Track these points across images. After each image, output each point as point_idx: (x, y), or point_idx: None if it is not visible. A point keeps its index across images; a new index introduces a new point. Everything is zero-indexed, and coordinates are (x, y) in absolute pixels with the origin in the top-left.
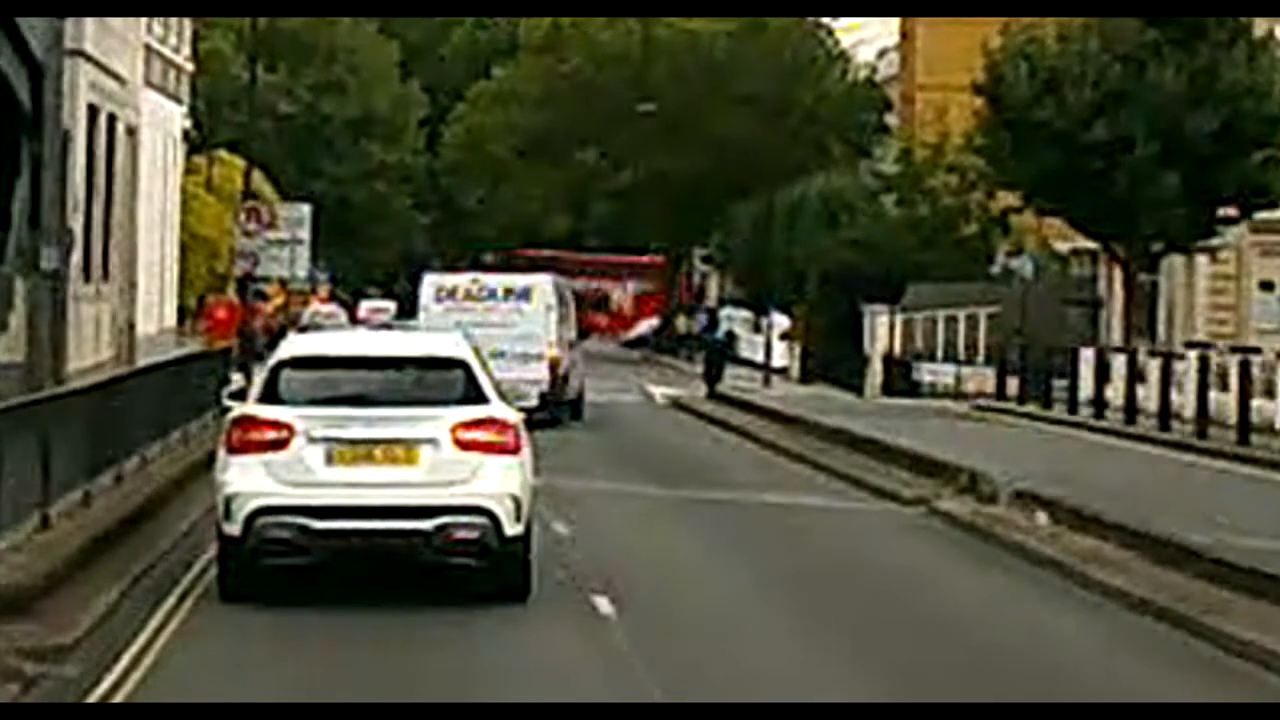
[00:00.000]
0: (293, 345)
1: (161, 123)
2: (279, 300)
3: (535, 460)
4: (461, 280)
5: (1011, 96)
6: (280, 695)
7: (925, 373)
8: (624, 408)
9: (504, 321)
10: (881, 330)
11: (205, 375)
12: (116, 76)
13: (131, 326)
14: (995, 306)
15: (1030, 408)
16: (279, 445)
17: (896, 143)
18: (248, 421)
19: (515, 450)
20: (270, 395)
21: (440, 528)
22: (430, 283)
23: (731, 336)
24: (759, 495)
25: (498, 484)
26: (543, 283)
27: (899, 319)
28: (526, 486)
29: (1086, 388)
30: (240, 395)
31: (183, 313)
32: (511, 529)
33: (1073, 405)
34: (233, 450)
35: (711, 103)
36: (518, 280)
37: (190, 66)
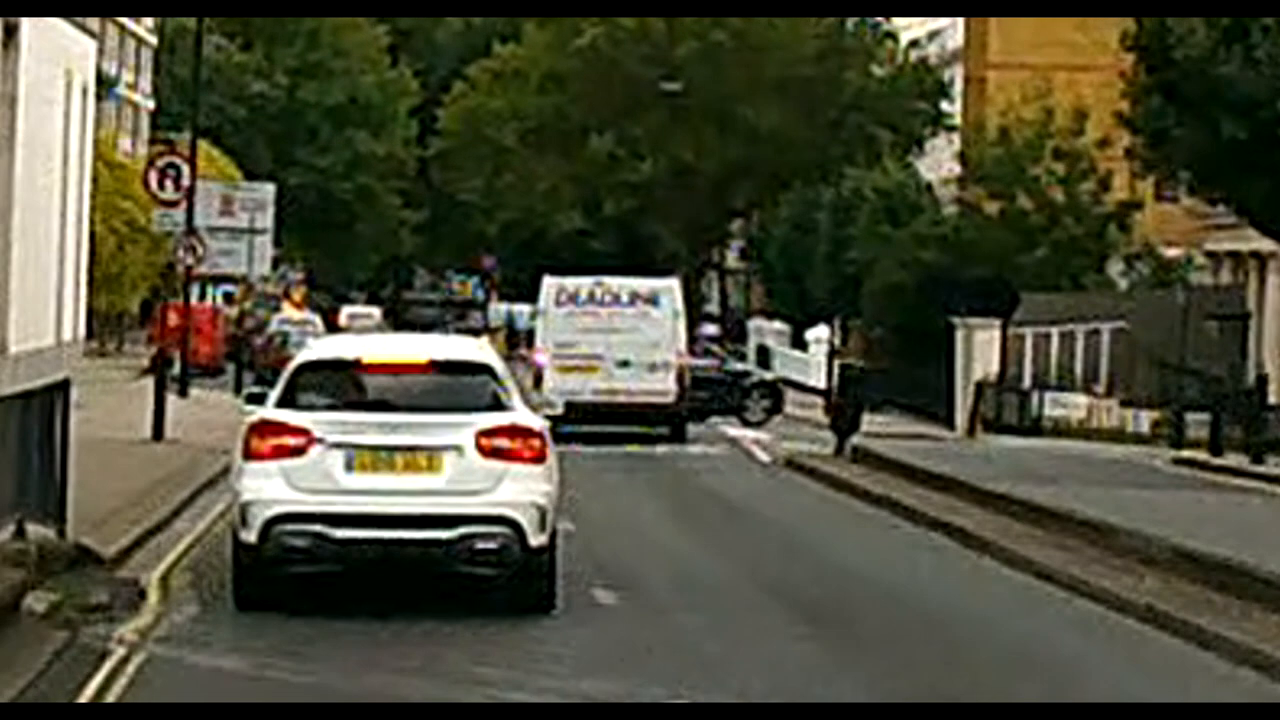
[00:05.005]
0: (313, 349)
1: (53, 49)
2: (244, 304)
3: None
4: (585, 282)
5: (1181, 50)
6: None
7: (1052, 404)
8: (721, 471)
9: (630, 328)
10: (985, 349)
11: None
12: None
13: None
14: (1119, 321)
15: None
16: (298, 451)
17: (993, 123)
18: (265, 426)
19: (541, 459)
20: (289, 400)
21: (462, 537)
22: (550, 285)
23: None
24: None
25: (522, 493)
26: (671, 286)
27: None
28: (552, 496)
29: None
30: (259, 399)
31: (92, 320)
32: (536, 539)
33: None
34: (250, 456)
35: (744, 85)
36: (644, 283)
37: (153, 39)
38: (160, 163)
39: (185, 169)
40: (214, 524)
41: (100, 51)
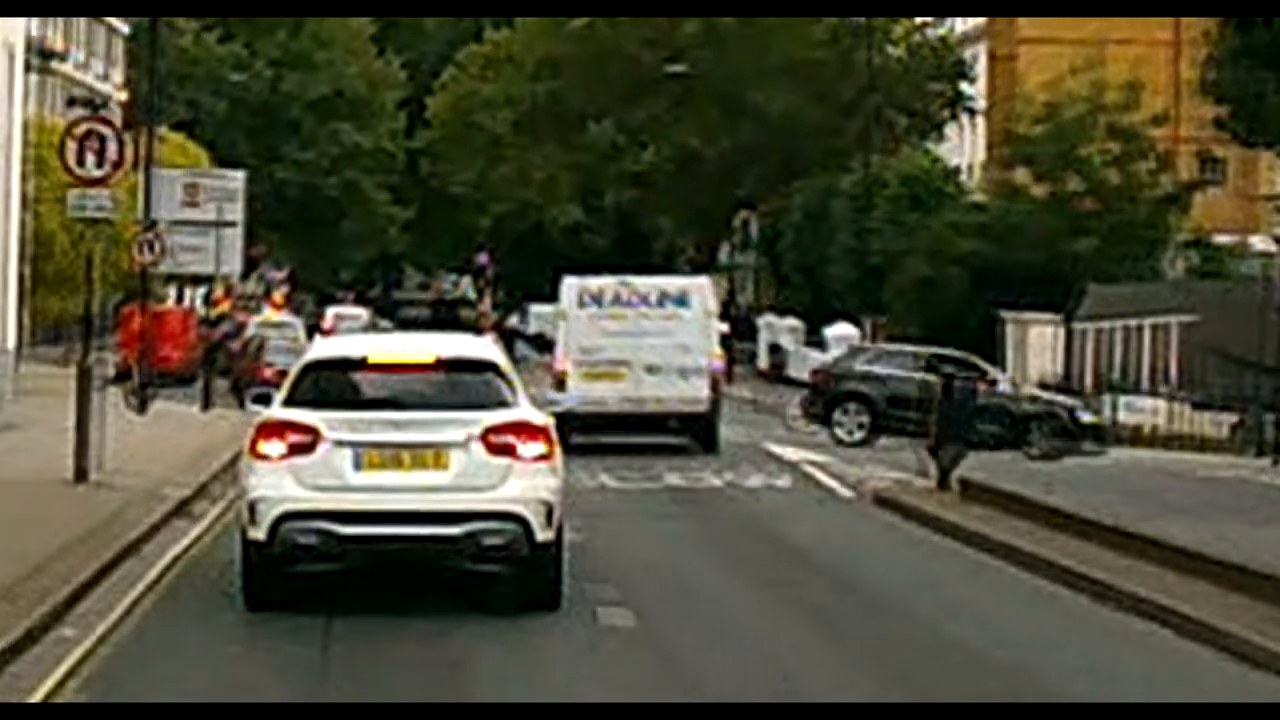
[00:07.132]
0: (319, 348)
1: None
2: (222, 307)
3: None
4: (609, 282)
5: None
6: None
7: (1129, 409)
8: (799, 514)
9: (659, 330)
10: (1042, 347)
11: None
12: None
13: None
14: (1190, 315)
15: None
16: (305, 449)
17: (1038, 98)
18: (273, 425)
19: (547, 455)
20: (297, 398)
21: (470, 534)
22: (571, 285)
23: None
24: None
25: (529, 489)
26: (702, 285)
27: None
28: (558, 492)
29: None
30: (265, 400)
31: (22, 327)
32: (542, 535)
33: None
34: (257, 454)
35: (751, 68)
36: (673, 282)
37: (125, 28)
38: (74, 122)
39: (111, 136)
40: (132, 609)
41: (70, 44)
